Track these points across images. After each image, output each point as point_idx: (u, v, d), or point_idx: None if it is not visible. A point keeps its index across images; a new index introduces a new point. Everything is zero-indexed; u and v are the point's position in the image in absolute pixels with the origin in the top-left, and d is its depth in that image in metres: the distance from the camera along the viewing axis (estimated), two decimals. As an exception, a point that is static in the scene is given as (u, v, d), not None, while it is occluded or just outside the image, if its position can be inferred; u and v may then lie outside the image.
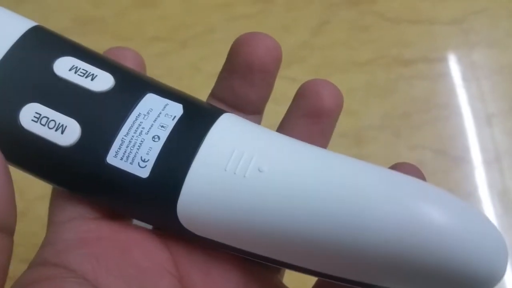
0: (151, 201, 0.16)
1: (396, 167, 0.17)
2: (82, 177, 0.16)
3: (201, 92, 0.19)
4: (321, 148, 0.16)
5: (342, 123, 0.19)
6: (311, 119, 0.18)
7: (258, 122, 0.19)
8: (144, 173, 0.15)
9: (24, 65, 0.16)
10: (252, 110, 0.18)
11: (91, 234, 0.16)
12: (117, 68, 0.17)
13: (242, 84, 0.18)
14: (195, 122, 0.16)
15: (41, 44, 0.17)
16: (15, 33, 0.16)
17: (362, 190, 0.14)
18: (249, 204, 0.15)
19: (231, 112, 0.17)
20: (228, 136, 0.16)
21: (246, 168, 0.15)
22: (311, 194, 0.14)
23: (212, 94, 0.19)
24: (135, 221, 0.17)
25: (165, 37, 0.36)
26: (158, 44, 0.36)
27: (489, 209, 0.32)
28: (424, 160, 0.33)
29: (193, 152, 0.15)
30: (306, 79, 0.18)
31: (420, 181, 0.15)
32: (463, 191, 0.32)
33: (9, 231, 0.14)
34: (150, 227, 0.17)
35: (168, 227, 0.17)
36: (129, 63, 0.18)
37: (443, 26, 0.36)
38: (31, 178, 0.17)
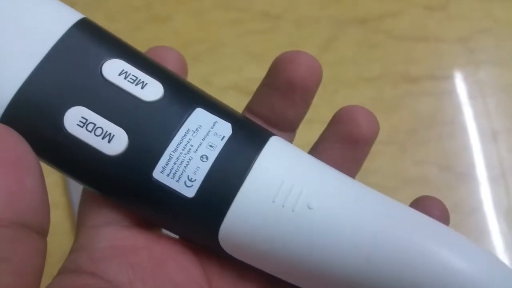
0: (194, 221, 0.15)
1: (423, 200, 0.17)
2: (126, 188, 0.15)
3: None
4: (366, 188, 0.16)
5: (349, 138, 0.20)
6: (346, 145, 0.18)
7: (292, 139, 0.19)
8: (190, 192, 0.15)
9: (70, 63, 0.15)
10: (287, 128, 0.18)
11: (126, 242, 0.15)
12: (167, 76, 0.16)
13: (282, 102, 0.18)
14: (244, 144, 0.16)
15: (89, 41, 0.15)
16: (62, 26, 0.15)
17: (396, 237, 0.15)
18: (294, 238, 0.15)
19: (267, 128, 0.17)
20: (277, 164, 0.15)
21: (295, 203, 0.15)
22: (356, 237, 0.15)
23: (249, 108, 0.18)
24: (164, 230, 0.17)
25: (177, 51, 0.37)
26: (170, 58, 0.37)
27: (493, 225, 0.32)
28: (430, 175, 0.33)
29: (242, 177, 0.15)
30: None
31: (450, 232, 0.15)
32: (468, 207, 0.33)
33: (45, 234, 0.14)
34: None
35: (206, 246, 0.16)
36: (170, 64, 0.17)
37: (449, 45, 0.37)
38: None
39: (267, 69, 0.18)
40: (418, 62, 0.36)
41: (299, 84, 0.17)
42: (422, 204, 0.17)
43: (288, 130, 0.18)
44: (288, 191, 0.15)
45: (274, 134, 0.17)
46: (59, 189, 0.33)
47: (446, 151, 0.34)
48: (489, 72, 0.36)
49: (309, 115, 0.19)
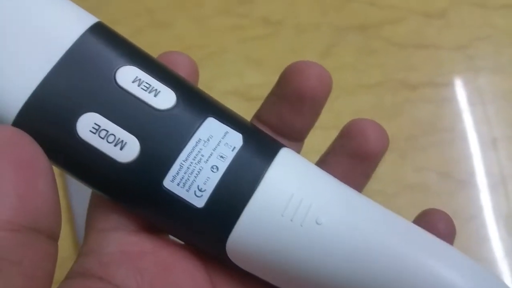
0: (202, 231, 0.15)
1: (429, 213, 0.17)
2: (136, 195, 0.15)
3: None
4: (375, 204, 0.16)
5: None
6: (355, 159, 0.17)
7: (299, 149, 0.19)
8: (200, 203, 0.15)
9: (85, 68, 0.15)
10: (295, 138, 0.18)
11: (134, 247, 0.16)
12: (179, 84, 0.16)
13: (291, 112, 0.17)
14: (254, 156, 0.16)
15: (104, 45, 0.15)
16: (77, 29, 0.15)
17: (401, 255, 0.15)
18: (302, 253, 0.15)
19: (275, 137, 0.17)
20: (286, 177, 0.16)
21: (303, 217, 0.15)
22: (363, 254, 0.15)
23: (258, 116, 0.18)
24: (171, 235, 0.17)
25: (177, 57, 0.37)
26: (171, 63, 0.37)
27: (493, 232, 0.32)
28: (429, 182, 0.33)
29: (251, 189, 0.15)
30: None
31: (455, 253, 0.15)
32: (467, 214, 0.33)
33: (56, 238, 0.14)
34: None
35: (213, 256, 0.16)
36: (182, 69, 0.17)
37: (448, 52, 0.37)
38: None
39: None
40: (417, 69, 0.36)
41: (309, 95, 0.17)
42: (428, 217, 0.17)
43: (297, 139, 0.18)
44: (297, 205, 0.15)
45: (284, 146, 0.17)
46: (59, 192, 0.33)
47: (445, 158, 0.34)
48: (489, 79, 0.36)
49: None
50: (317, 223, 0.15)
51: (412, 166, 0.34)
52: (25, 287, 0.12)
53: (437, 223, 0.16)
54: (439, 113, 0.35)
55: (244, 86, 0.35)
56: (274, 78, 0.18)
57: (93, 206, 0.16)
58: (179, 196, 0.15)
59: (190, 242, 0.17)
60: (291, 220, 0.15)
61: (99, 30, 0.16)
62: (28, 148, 0.13)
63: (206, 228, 0.15)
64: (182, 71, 0.17)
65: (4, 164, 0.13)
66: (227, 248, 0.15)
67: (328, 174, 0.17)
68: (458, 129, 0.35)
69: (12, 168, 0.13)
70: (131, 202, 0.16)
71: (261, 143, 0.16)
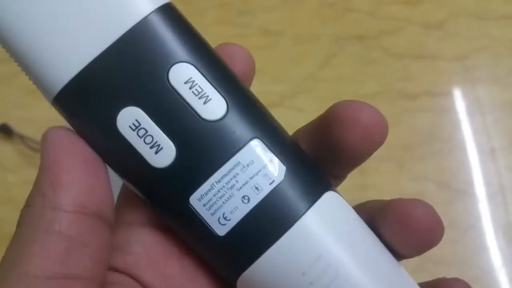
0: (216, 258, 0.15)
1: (450, 283, 0.16)
2: (160, 202, 0.15)
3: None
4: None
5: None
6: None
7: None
8: (221, 231, 0.14)
9: (140, 56, 0.14)
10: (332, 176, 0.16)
11: (160, 249, 0.15)
12: (233, 92, 0.15)
13: (328, 159, 0.15)
14: (293, 197, 0.14)
15: (167, 33, 0.14)
16: (143, 9, 0.14)
17: None
18: None
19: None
20: (321, 231, 0.14)
21: (326, 285, 0.14)
22: None
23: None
24: None
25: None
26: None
27: (491, 241, 0.32)
28: (427, 192, 0.33)
29: (279, 234, 0.14)
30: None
31: None
32: (465, 223, 0.33)
33: (113, 228, 0.14)
34: None
35: (223, 281, 0.16)
36: (238, 64, 0.16)
37: (446, 62, 0.37)
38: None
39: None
40: (415, 79, 0.36)
41: (352, 152, 0.15)
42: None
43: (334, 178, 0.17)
44: (322, 269, 0.14)
45: (330, 188, 0.15)
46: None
47: (443, 167, 0.34)
48: (486, 89, 0.36)
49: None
50: None
51: (409, 176, 0.34)
52: (92, 269, 0.13)
53: None
54: (437, 123, 0.35)
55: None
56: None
57: (123, 197, 0.16)
58: (202, 218, 0.14)
59: (204, 260, 0.16)
60: (311, 283, 0.14)
61: (167, 13, 0.14)
62: (85, 144, 0.14)
63: (221, 258, 0.15)
64: (238, 67, 0.16)
65: (74, 157, 0.14)
66: (237, 283, 0.15)
67: (371, 235, 0.15)
68: (456, 139, 0.35)
69: (80, 161, 0.14)
70: (156, 206, 0.15)
71: (304, 181, 0.14)
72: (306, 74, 0.36)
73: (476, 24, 0.38)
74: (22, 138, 0.35)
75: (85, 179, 0.14)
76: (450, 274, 0.16)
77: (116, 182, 0.15)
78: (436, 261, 0.32)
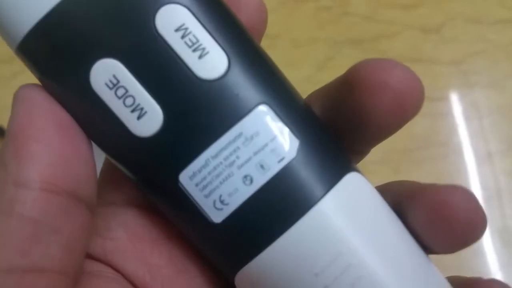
0: (211, 250, 0.12)
1: (489, 284, 0.13)
2: (144, 178, 0.12)
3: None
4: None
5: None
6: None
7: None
8: (217, 217, 0.11)
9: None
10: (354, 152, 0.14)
11: (147, 234, 0.13)
12: (237, 45, 0.12)
13: (349, 133, 0.13)
14: (307, 177, 0.11)
15: None
16: None
17: None
18: None
19: None
20: (341, 221, 0.11)
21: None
22: None
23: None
24: None
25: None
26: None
27: (488, 245, 0.32)
28: (424, 195, 0.33)
29: (288, 223, 0.11)
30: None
31: None
32: (462, 227, 0.33)
33: (93, 209, 0.12)
34: None
35: (219, 274, 0.14)
36: (245, 10, 0.13)
37: (443, 66, 0.37)
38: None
39: None
40: (413, 83, 0.36)
41: (381, 124, 0.12)
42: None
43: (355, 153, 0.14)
44: (341, 270, 0.11)
45: (353, 168, 0.12)
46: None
47: (440, 172, 0.34)
48: (483, 93, 0.36)
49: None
50: None
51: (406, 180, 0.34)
52: (62, 259, 0.11)
53: None
54: (434, 127, 0.35)
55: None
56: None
57: (105, 172, 0.14)
58: (194, 200, 0.11)
59: (198, 250, 0.13)
60: (325, 287, 0.11)
61: None
62: (62, 109, 0.11)
63: (216, 249, 0.12)
64: (245, 15, 0.13)
65: (48, 122, 0.11)
66: (236, 279, 0.12)
67: (401, 228, 0.12)
68: (453, 143, 0.35)
69: (54, 128, 0.11)
70: (140, 184, 0.13)
71: (322, 159, 0.12)
72: (303, 77, 0.36)
73: (473, 28, 0.38)
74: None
75: (59, 149, 0.11)
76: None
77: (101, 155, 0.13)
78: (433, 265, 0.32)
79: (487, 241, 0.32)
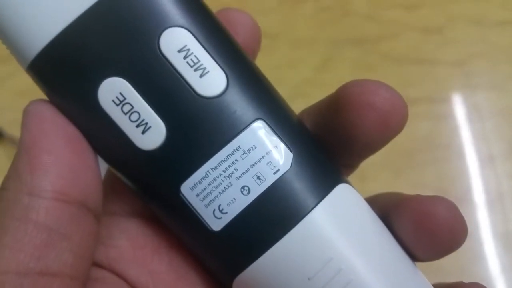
0: (210, 256, 0.13)
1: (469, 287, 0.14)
2: (147, 190, 0.13)
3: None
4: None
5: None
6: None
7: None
8: (216, 225, 0.12)
9: (125, 20, 0.12)
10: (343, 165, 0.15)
11: (148, 242, 0.14)
12: (235, 64, 0.13)
13: (338, 148, 0.14)
14: (300, 188, 0.12)
15: None
16: None
17: None
18: None
19: None
20: (332, 229, 0.12)
21: None
22: None
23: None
24: None
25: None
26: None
27: (490, 249, 0.32)
28: (425, 198, 0.33)
29: (282, 231, 0.12)
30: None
31: None
32: (464, 231, 0.32)
33: (99, 218, 0.13)
34: None
35: (217, 280, 0.14)
36: (241, 33, 0.14)
37: (445, 68, 0.37)
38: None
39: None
40: (414, 85, 0.36)
41: (365, 140, 0.13)
42: None
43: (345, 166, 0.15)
44: (332, 275, 0.12)
45: (343, 180, 0.13)
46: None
47: (442, 174, 0.34)
48: (485, 95, 0.36)
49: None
50: None
51: (408, 183, 0.33)
52: (73, 265, 0.12)
53: None
54: (435, 129, 0.35)
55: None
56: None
57: (107, 183, 0.15)
58: (195, 209, 0.12)
59: (197, 257, 0.14)
60: None
61: None
62: (70, 124, 0.12)
63: (215, 256, 0.13)
64: (241, 36, 0.14)
65: (58, 135, 0.12)
66: (233, 286, 0.13)
67: (388, 236, 0.13)
68: (455, 146, 0.34)
69: (64, 141, 0.12)
70: (143, 195, 0.13)
71: (314, 171, 0.13)
72: (303, 78, 0.36)
73: (474, 29, 0.38)
74: (13, 141, 0.34)
75: (69, 161, 0.12)
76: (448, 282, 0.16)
77: (102, 168, 0.14)
78: (433, 269, 0.31)
79: (489, 245, 0.32)
